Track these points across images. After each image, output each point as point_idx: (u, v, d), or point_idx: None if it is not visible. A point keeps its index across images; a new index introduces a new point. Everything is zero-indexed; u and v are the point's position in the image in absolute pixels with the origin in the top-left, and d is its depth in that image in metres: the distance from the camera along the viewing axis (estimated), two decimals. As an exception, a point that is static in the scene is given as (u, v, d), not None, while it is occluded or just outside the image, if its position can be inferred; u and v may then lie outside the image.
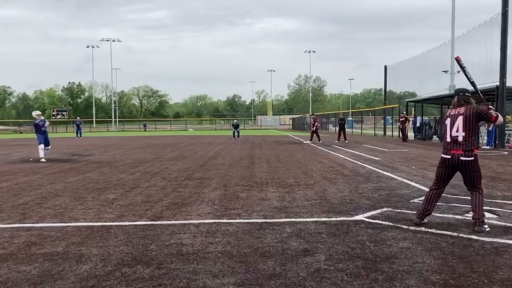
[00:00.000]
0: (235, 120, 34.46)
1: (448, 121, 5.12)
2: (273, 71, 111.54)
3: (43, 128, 14.18)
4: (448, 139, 5.07)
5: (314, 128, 24.31)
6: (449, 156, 5.02)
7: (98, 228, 5.23)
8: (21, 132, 54.91)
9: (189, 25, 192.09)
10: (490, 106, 5.30)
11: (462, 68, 5.41)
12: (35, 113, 14.54)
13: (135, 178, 9.70)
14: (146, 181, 9.11)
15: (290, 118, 77.19)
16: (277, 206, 6.40)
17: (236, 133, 30.92)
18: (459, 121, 4.97)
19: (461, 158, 4.92)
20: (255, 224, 5.33)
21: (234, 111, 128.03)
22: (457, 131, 4.97)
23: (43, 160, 13.87)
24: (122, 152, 17.81)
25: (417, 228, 5.04)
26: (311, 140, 24.13)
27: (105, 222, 5.52)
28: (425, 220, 5.23)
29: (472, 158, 4.93)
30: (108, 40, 77.51)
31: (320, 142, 23.52)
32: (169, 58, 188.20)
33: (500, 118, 5.10)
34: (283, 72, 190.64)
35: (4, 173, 10.86)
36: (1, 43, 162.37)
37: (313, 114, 29.79)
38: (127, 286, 3.42)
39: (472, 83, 5.40)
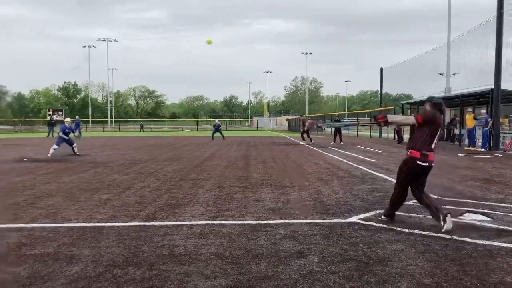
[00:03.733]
0: (217, 121, 33.07)
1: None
2: (270, 72, 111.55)
3: (70, 132, 16.68)
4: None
5: (305, 129, 24.48)
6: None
7: (90, 228, 5.18)
8: (17, 132, 54.57)
9: (186, 24, 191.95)
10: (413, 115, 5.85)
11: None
12: (67, 120, 17.61)
13: (129, 178, 9.65)
14: (140, 182, 9.06)
15: (287, 120, 77.27)
16: (271, 208, 6.38)
17: (215, 134, 30.16)
18: None
19: None
20: (249, 226, 5.30)
21: (231, 112, 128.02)
22: None
23: (49, 155, 15.45)
24: (117, 152, 17.75)
25: (411, 231, 5.03)
26: (303, 140, 24.21)
27: (98, 222, 5.48)
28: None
29: None
30: (105, 40, 77.37)
31: (312, 142, 23.58)
32: (166, 58, 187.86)
33: (395, 118, 5.75)
34: (280, 73, 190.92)
35: (-2, 172, 10.78)
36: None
37: (302, 116, 29.96)
38: (118, 288, 3.38)
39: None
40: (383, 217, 5.54)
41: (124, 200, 6.96)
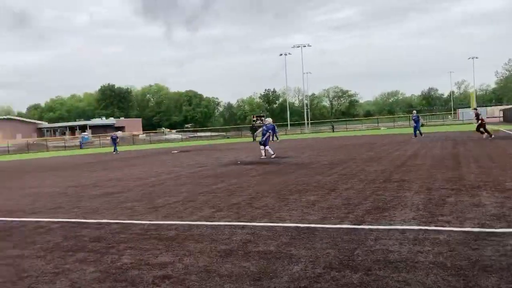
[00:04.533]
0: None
1: None
2: (476, 58, 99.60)
3: (269, 131, 17.70)
4: None
5: (479, 122, 21.07)
6: None
7: (303, 229, 5.49)
8: (228, 137, 61.92)
9: (378, 19, 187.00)
10: None
11: None
12: (268, 120, 18.54)
13: (333, 180, 9.88)
14: (344, 183, 9.19)
15: (500, 110, 67.61)
16: (494, 214, 5.67)
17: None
18: None
19: None
20: (470, 234, 4.82)
21: (430, 106, 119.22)
22: None
23: (262, 157, 17.23)
24: (317, 154, 18.40)
25: None
26: (490, 135, 20.89)
27: (310, 223, 5.76)
28: None
29: None
30: (299, 46, 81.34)
31: (492, 136, 20.35)
32: (358, 56, 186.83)
33: None
34: (488, 58, 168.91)
35: (219, 175, 12.39)
36: (210, 58, 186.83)
37: (475, 108, 25.40)
38: (338, 291, 3.48)
39: None
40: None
41: (331, 202, 7.16)
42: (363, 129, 64.29)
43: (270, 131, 17.71)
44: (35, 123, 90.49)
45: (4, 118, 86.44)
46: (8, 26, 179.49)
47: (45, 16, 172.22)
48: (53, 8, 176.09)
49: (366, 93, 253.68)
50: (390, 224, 5.44)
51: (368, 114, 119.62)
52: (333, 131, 58.93)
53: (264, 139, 17.54)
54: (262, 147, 17.68)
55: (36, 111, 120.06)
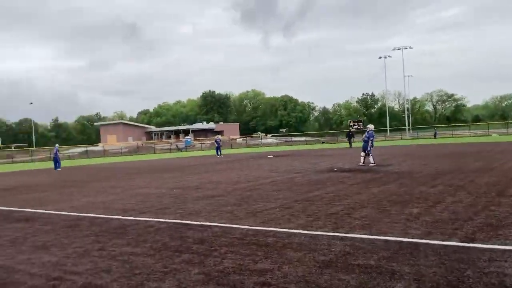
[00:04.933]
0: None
1: None
2: None
3: (371, 138, 17.17)
4: None
5: None
6: None
7: (406, 244, 5.24)
8: (323, 143, 61.36)
9: (491, 17, 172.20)
10: None
11: None
12: (370, 126, 17.74)
13: (438, 191, 9.30)
14: (450, 196, 8.59)
15: None
16: None
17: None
18: None
19: None
20: None
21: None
22: None
23: (360, 164, 16.94)
24: (420, 162, 17.43)
25: None
26: None
27: (413, 238, 5.48)
28: None
29: None
30: (400, 49, 77.99)
31: None
32: (466, 58, 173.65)
33: None
34: None
35: (315, 182, 12.32)
36: (305, 63, 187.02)
37: None
38: (446, 314, 3.26)
39: None
40: None
41: (436, 216, 6.74)
42: (470, 135, 59.50)
43: (371, 138, 17.21)
44: (144, 127, 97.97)
45: (118, 123, 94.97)
46: (121, 37, 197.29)
47: (153, 28, 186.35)
48: (161, 20, 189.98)
49: (474, 97, 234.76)
50: (506, 244, 4.97)
51: (476, 120, 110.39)
52: (435, 138, 55.39)
53: (369, 147, 17.05)
54: (362, 153, 17.23)
55: (145, 116, 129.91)
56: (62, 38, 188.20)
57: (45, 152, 57.39)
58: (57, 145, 31.83)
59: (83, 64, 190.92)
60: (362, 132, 64.14)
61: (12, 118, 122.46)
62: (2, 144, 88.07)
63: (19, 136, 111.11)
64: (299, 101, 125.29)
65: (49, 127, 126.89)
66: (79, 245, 6.15)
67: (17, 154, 61.46)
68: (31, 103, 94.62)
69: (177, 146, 58.33)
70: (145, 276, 4.57)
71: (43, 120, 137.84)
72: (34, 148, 73.86)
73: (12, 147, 76.76)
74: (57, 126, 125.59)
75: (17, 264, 5.31)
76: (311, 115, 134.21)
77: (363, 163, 16.93)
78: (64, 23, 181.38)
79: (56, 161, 28.43)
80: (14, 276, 4.85)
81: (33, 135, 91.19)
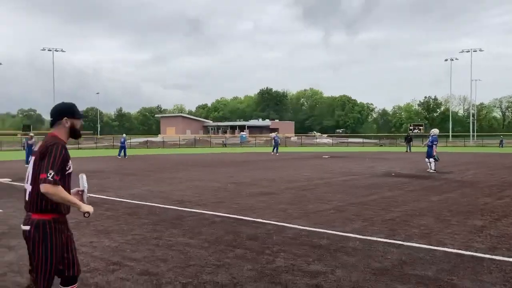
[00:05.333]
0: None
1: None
2: None
3: (434, 143, 16.43)
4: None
5: None
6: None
7: (468, 257, 4.98)
8: (381, 145, 59.71)
9: None
10: None
11: None
12: (434, 130, 17.16)
13: (504, 204, 8.76)
14: (518, 210, 8.07)
15: None
16: None
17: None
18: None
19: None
20: None
21: None
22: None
23: (430, 171, 16.07)
24: (485, 172, 16.51)
25: None
26: None
27: (476, 252, 5.21)
28: None
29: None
30: (468, 51, 74.16)
31: None
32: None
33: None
34: None
35: (372, 186, 12.03)
36: (366, 63, 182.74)
37: None
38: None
39: None
40: None
41: (502, 230, 6.36)
42: (543, 146, 55.39)
43: (435, 142, 16.50)
44: (202, 121, 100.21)
45: (177, 115, 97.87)
46: (184, 32, 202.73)
47: (215, 24, 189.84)
48: (222, 16, 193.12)
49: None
50: None
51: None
52: (501, 147, 52.11)
53: (433, 152, 16.29)
54: (428, 159, 16.51)
55: (203, 110, 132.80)
56: (129, 32, 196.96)
57: (109, 140, 60.30)
58: (124, 134, 33.50)
59: (147, 58, 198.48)
60: (422, 137, 61.76)
61: (80, 106, 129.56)
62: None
63: (85, 124, 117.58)
64: (358, 102, 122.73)
65: (113, 117, 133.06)
66: (138, 232, 6.40)
67: (83, 140, 65.02)
68: (97, 93, 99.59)
69: (223, 141, 59.72)
70: (199, 268, 4.67)
71: (108, 109, 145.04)
72: (99, 136, 77.82)
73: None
74: (121, 116, 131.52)
75: (80, 247, 5.61)
76: (370, 117, 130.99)
77: (433, 169, 16.22)
78: (132, 17, 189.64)
79: (123, 149, 29.80)
80: (78, 257, 5.13)
81: (98, 123, 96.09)
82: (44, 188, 2.75)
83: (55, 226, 2.91)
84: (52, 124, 3.05)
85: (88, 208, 2.98)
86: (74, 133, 3.08)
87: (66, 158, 2.90)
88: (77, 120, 3.09)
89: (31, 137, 22.01)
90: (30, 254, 2.92)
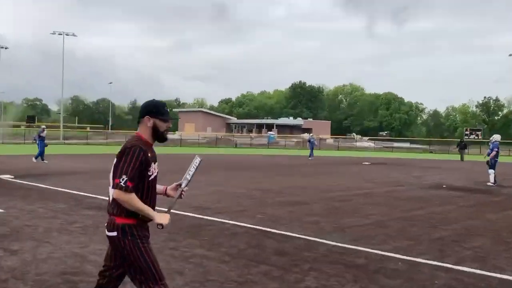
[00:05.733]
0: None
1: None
2: None
3: (495, 150, 16.02)
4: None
5: None
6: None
7: (529, 287, 4.90)
8: (431, 152, 58.73)
9: None
10: None
11: None
12: (496, 136, 16.48)
13: None
14: None
15: None
16: None
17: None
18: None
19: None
20: None
21: None
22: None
23: (489, 184, 15.81)
24: (553, 187, 16.06)
25: None
26: None
27: (539, 282, 5.11)
28: None
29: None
30: (538, 44, 72.17)
31: None
32: None
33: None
34: None
35: (419, 199, 11.90)
36: (416, 56, 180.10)
37: None
38: None
39: None
40: None
41: None
42: None
43: (495, 149, 16.08)
44: (224, 117, 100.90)
45: (197, 110, 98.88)
46: (207, 18, 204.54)
47: (243, 9, 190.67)
48: (251, 0, 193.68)
49: None
50: None
51: None
52: None
53: (493, 161, 15.97)
54: (490, 170, 16.10)
55: (227, 106, 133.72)
56: (147, 16, 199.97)
57: (121, 136, 61.35)
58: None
59: (166, 45, 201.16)
60: (479, 144, 60.05)
61: (90, 97, 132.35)
62: (78, 123, 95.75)
63: (95, 116, 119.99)
64: (405, 101, 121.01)
65: (126, 110, 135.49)
66: (153, 241, 6.50)
67: (92, 135, 66.46)
68: (110, 83, 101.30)
69: (234, 141, 60.60)
70: (219, 284, 4.76)
71: (121, 101, 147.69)
72: (109, 130, 79.35)
73: (88, 128, 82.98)
74: (135, 109, 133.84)
75: (88, 254, 5.79)
76: (419, 118, 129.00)
77: (492, 182, 15.90)
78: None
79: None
80: (86, 266, 5.31)
81: (110, 116, 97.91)
82: (115, 194, 2.89)
83: (139, 230, 3.04)
84: (138, 122, 3.15)
85: (163, 219, 3.07)
86: (157, 136, 3.13)
87: (145, 162, 2.97)
88: (161, 122, 3.11)
89: (43, 129, 22.47)
90: (113, 256, 3.11)
